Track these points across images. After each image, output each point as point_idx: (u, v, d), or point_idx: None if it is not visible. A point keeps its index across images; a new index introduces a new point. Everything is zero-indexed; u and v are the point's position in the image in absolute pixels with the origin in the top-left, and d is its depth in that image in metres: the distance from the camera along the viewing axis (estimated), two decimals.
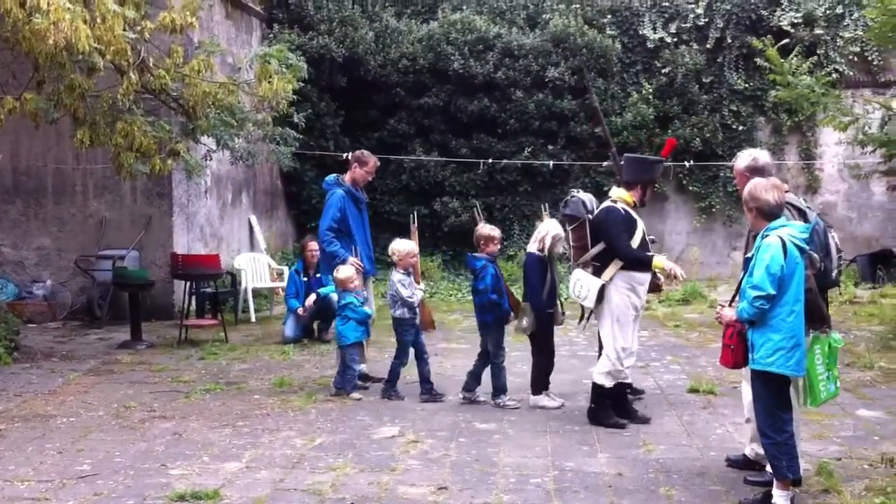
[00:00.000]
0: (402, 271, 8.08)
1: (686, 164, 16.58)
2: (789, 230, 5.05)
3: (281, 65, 10.25)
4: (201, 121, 9.95)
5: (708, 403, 7.92)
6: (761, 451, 5.58)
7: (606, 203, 7.17)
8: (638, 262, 7.01)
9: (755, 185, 5.21)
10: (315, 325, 11.38)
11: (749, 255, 5.23)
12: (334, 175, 8.88)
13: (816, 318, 5.34)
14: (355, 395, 8.15)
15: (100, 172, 12.81)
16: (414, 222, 8.78)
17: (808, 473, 5.89)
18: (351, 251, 8.44)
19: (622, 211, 7.02)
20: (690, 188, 16.94)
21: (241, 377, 9.11)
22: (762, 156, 6.03)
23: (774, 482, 5.15)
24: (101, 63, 8.47)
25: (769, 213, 5.13)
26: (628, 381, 7.34)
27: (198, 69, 9.46)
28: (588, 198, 7.40)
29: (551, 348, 7.91)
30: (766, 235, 5.07)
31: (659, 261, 7.02)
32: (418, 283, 8.19)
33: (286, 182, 17.17)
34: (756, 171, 5.80)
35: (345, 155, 16.23)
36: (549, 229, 7.60)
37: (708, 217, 17.12)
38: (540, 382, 7.84)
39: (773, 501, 5.09)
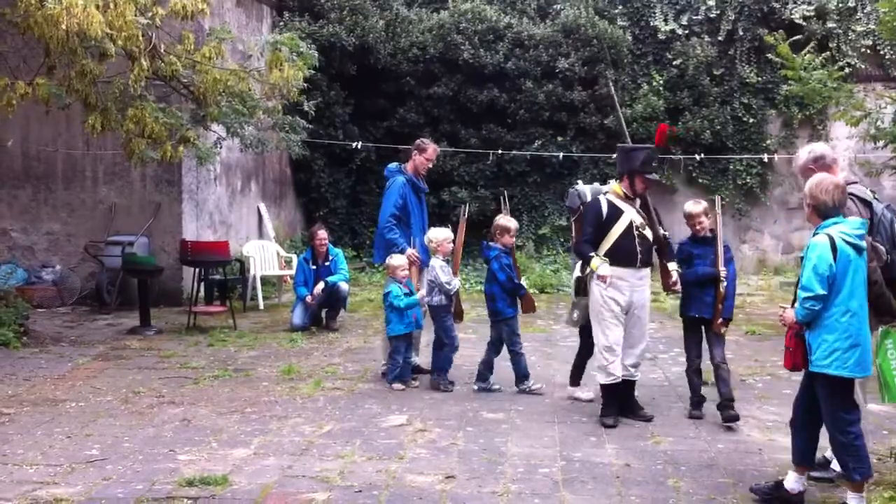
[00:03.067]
0: (441, 258, 8.11)
1: (696, 156, 16.53)
2: (841, 227, 4.92)
3: (292, 52, 10.25)
4: (212, 108, 9.94)
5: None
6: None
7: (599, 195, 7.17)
8: (579, 255, 7.01)
9: (817, 184, 5.05)
10: (323, 314, 11.39)
11: (803, 253, 5.09)
12: (396, 163, 8.80)
13: (884, 311, 5.24)
14: (397, 385, 8.11)
15: (109, 158, 12.84)
16: (464, 214, 8.64)
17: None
18: (408, 240, 8.39)
19: (603, 203, 6.94)
20: (700, 181, 16.88)
21: (250, 364, 9.13)
22: (818, 146, 5.89)
23: (849, 485, 5.06)
24: (112, 49, 8.46)
25: (825, 212, 5.00)
26: (634, 378, 7.16)
27: (209, 56, 9.46)
28: (588, 189, 7.37)
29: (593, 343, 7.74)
30: (816, 234, 4.96)
31: (594, 262, 6.77)
32: (455, 274, 8.19)
33: (295, 170, 17.17)
34: (818, 160, 5.67)
35: (354, 144, 16.42)
36: None
37: (711, 204, 17.04)
38: (576, 374, 7.85)
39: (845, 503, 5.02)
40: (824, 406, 5.06)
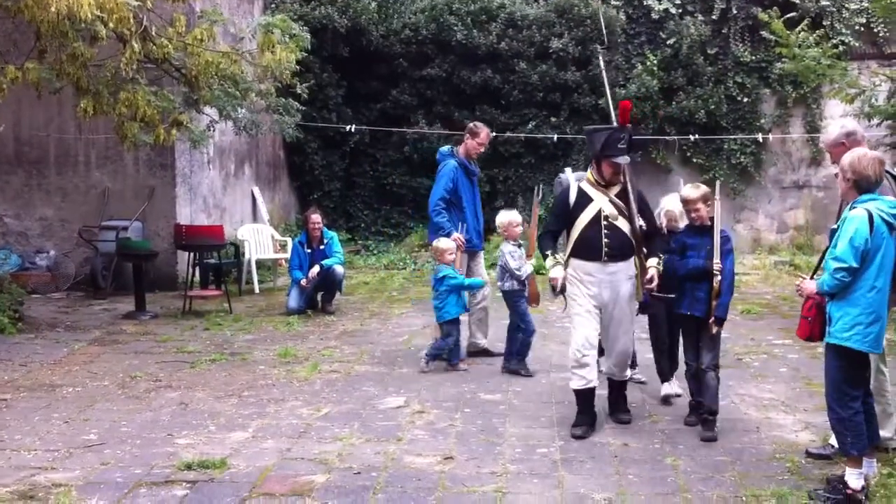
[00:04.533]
0: (512, 243, 7.94)
1: (691, 136, 16.50)
2: (879, 204, 4.90)
3: (284, 34, 10.19)
4: (204, 91, 9.90)
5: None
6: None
7: None
8: (539, 249, 6.58)
9: (859, 158, 4.99)
10: (318, 297, 11.37)
11: (835, 226, 5.06)
12: (448, 146, 8.74)
13: None
14: (462, 366, 8.10)
15: (102, 143, 12.77)
16: (538, 195, 8.38)
17: (815, 444, 5.92)
18: (458, 224, 8.30)
19: (572, 190, 6.34)
20: (695, 160, 16.83)
21: (246, 348, 9.12)
22: (849, 122, 5.89)
23: (847, 461, 5.05)
24: (103, 32, 8.40)
25: (867, 187, 4.95)
26: (621, 378, 6.51)
27: (200, 38, 9.39)
28: (574, 177, 6.95)
29: (672, 339, 7.10)
30: (854, 207, 4.93)
31: (548, 262, 6.32)
32: (530, 256, 7.88)
33: (289, 153, 17.11)
34: (850, 135, 5.65)
35: (348, 127, 16.37)
36: (663, 205, 6.94)
37: (712, 190, 16.99)
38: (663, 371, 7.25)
39: (845, 480, 4.98)
40: (832, 378, 5.04)
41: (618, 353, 6.40)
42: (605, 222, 6.20)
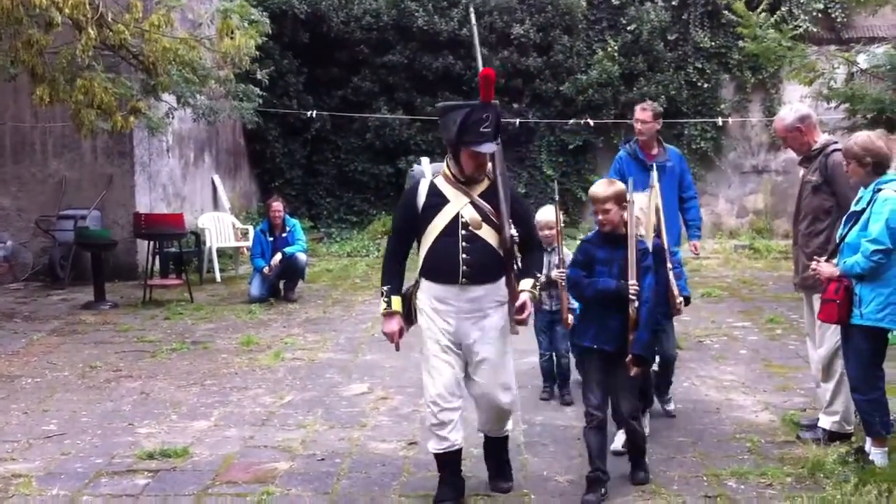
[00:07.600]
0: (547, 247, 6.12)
1: None
2: None
3: (243, 20, 10.11)
4: (162, 77, 9.80)
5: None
6: (835, 419, 5.56)
7: None
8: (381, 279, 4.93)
9: (868, 137, 4.97)
10: (281, 285, 11.32)
11: (858, 209, 4.98)
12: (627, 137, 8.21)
13: None
14: None
15: (59, 131, 12.59)
16: (556, 192, 5.96)
17: (774, 424, 6.00)
18: None
19: (422, 189, 4.80)
20: None
21: (208, 336, 9.06)
22: (800, 106, 5.80)
23: (868, 439, 5.11)
24: (58, 18, 8.30)
25: (886, 165, 4.92)
26: (499, 434, 5.01)
27: (157, 24, 9.29)
28: (430, 170, 6.30)
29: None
30: (880, 189, 4.90)
31: (382, 305, 4.82)
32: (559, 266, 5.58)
33: (249, 141, 16.98)
34: (804, 119, 5.58)
35: (309, 113, 16.26)
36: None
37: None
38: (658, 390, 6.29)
39: (870, 458, 5.04)
40: (859, 361, 5.01)
41: (489, 406, 4.85)
42: (463, 232, 4.65)
